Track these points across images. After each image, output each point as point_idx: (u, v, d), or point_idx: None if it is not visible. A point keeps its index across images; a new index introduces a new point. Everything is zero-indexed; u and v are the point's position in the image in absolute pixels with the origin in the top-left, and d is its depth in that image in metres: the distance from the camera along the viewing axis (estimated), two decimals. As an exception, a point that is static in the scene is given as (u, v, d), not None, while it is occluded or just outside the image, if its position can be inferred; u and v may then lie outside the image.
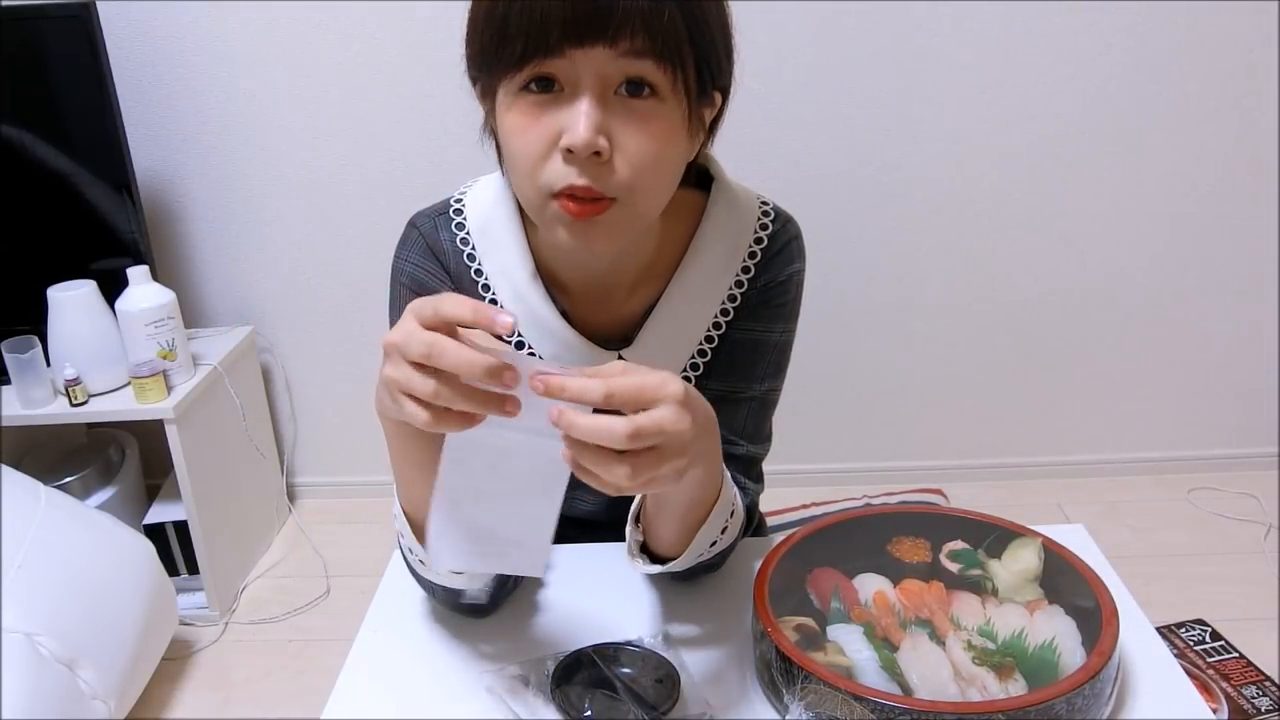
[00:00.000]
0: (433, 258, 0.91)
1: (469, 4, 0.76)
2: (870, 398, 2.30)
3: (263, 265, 2.23)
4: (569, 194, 0.73)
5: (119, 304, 1.85)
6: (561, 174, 0.73)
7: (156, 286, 1.88)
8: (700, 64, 0.74)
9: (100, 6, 1.87)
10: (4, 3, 1.87)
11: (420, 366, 0.63)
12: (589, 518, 1.05)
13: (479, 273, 0.90)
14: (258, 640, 1.99)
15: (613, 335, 0.91)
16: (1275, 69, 1.99)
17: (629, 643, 0.80)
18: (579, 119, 0.71)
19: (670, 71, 0.72)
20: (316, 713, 0.80)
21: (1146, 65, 2.00)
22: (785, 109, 2.04)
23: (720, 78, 0.79)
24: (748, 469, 0.97)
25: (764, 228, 0.92)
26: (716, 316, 0.91)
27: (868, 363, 2.27)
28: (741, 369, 0.93)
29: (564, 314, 0.90)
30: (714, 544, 0.85)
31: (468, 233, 0.91)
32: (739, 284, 0.91)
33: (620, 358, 0.90)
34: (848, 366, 2.27)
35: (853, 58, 2.01)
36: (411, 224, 0.93)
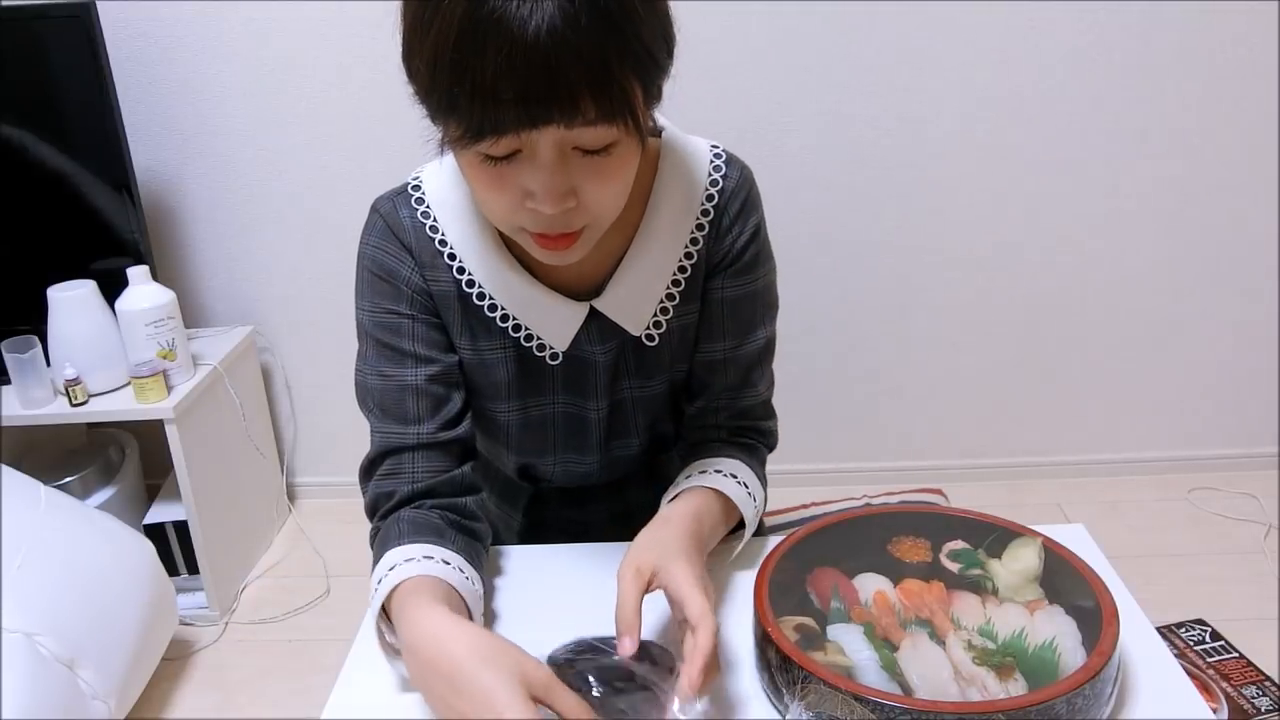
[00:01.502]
0: (393, 238, 0.93)
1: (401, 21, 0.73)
2: (870, 398, 2.30)
3: (263, 265, 2.23)
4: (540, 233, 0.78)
5: (119, 304, 1.85)
6: (530, 221, 0.77)
7: (156, 286, 1.88)
8: (647, 87, 0.74)
9: (100, 6, 1.86)
10: (4, 3, 1.87)
11: None
12: (584, 483, 1.06)
13: (444, 242, 0.91)
14: (258, 640, 1.99)
15: (581, 286, 0.92)
16: (1275, 69, 1.99)
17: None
18: (543, 191, 0.73)
19: (623, 125, 0.71)
20: (316, 713, 0.80)
21: (1146, 65, 2.00)
22: (786, 109, 2.04)
23: (666, 73, 0.77)
24: (764, 412, 1.02)
25: (718, 170, 0.93)
26: (681, 260, 0.93)
27: (868, 362, 2.27)
28: (746, 322, 0.97)
29: (531, 270, 0.91)
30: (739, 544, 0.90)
31: (429, 205, 0.92)
32: (700, 227, 0.92)
33: (592, 309, 0.92)
34: (848, 366, 2.27)
35: (854, 57, 2.00)
36: (373, 208, 0.95)
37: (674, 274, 0.93)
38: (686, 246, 0.92)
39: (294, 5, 2.01)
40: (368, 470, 0.95)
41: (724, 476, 0.92)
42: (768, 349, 1.00)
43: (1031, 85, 2.02)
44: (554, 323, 0.92)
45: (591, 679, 0.74)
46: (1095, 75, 2.01)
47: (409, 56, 0.73)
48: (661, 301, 0.93)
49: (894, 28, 1.98)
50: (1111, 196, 2.11)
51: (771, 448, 1.04)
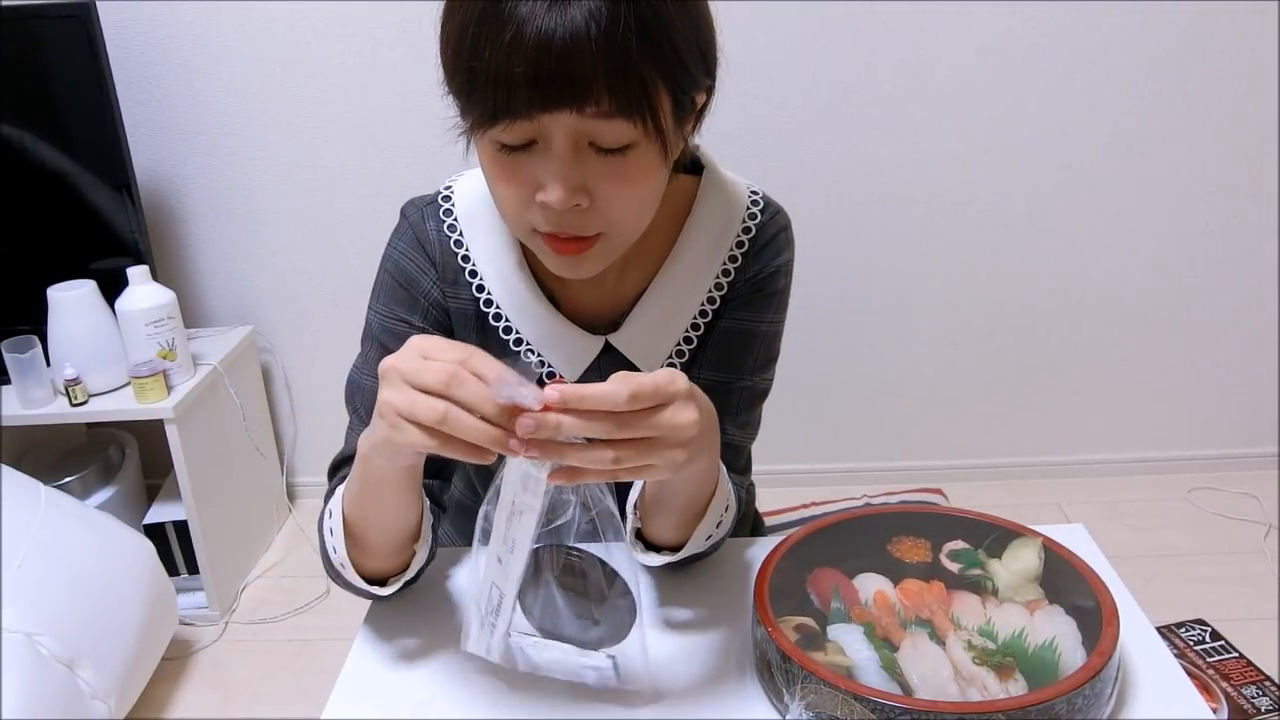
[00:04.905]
0: (419, 248, 0.92)
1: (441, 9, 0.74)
2: (870, 398, 2.30)
3: (263, 265, 2.23)
4: (553, 234, 0.76)
5: (119, 304, 1.85)
6: (543, 220, 0.75)
7: (156, 286, 1.88)
8: (676, 94, 0.73)
9: (100, 6, 1.87)
10: (4, 3, 1.87)
11: (427, 392, 0.63)
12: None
13: (466, 259, 0.91)
14: (258, 640, 1.99)
15: (600, 319, 0.92)
16: (1275, 69, 1.99)
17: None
18: (554, 180, 0.72)
19: (642, 124, 0.70)
20: (316, 713, 0.80)
21: (1147, 65, 2.00)
22: (786, 109, 2.03)
23: (699, 87, 0.77)
24: (735, 457, 0.98)
25: (753, 217, 0.92)
26: (703, 304, 0.92)
27: (868, 362, 2.27)
28: (734, 359, 0.94)
29: (552, 298, 0.90)
30: (709, 538, 0.86)
31: (455, 219, 0.92)
32: (726, 273, 0.92)
33: (607, 343, 0.91)
34: (848, 366, 2.27)
35: (853, 58, 2.01)
36: (402, 213, 0.94)
37: (694, 317, 0.92)
38: (710, 291, 0.92)
39: (293, 5, 2.01)
40: (336, 468, 0.91)
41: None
42: (751, 399, 0.96)
43: (1031, 85, 2.02)
44: (567, 353, 0.91)
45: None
46: (1095, 75, 2.01)
47: (441, 44, 0.73)
48: (678, 344, 0.92)
49: (894, 27, 1.98)
50: (1111, 197, 2.11)
51: (736, 505, 0.92)
